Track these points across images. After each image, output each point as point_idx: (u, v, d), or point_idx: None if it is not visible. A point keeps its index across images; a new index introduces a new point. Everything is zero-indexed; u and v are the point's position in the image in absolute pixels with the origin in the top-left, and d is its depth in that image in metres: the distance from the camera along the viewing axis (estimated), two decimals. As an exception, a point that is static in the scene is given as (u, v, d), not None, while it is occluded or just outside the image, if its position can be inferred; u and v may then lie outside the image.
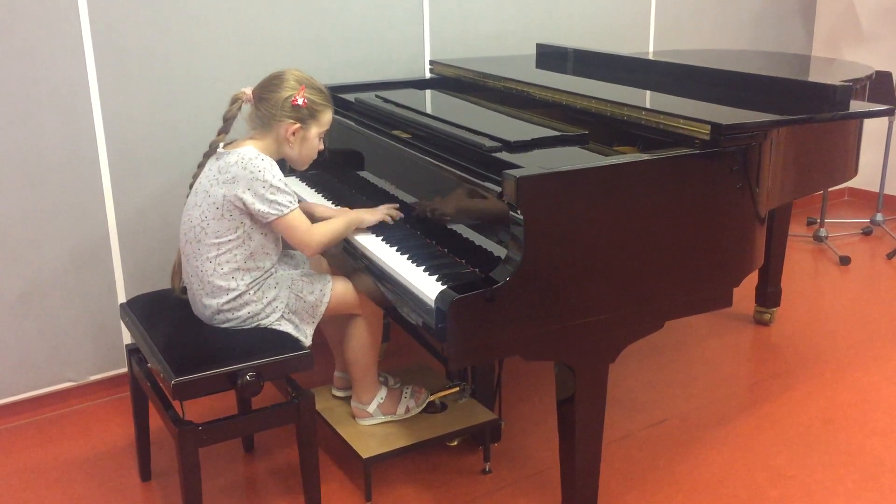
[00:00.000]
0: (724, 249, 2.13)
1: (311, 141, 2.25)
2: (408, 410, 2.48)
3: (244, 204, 2.11)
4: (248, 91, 2.25)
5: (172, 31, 2.84)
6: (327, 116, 2.26)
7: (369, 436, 2.40)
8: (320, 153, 2.31)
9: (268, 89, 2.20)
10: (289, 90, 2.18)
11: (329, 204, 2.64)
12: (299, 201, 2.55)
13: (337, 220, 2.30)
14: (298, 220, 2.17)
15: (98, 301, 2.90)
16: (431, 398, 2.53)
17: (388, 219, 2.36)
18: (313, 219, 2.39)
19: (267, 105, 2.19)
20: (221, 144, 2.21)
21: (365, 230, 2.35)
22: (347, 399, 2.53)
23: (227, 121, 2.26)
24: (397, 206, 2.40)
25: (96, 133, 2.78)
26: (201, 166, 2.26)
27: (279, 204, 2.11)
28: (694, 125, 2.10)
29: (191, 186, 2.27)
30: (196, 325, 2.24)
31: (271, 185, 2.10)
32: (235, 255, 2.17)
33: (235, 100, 2.26)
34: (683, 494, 2.40)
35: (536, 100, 2.70)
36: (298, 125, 2.20)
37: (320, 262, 2.52)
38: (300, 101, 2.17)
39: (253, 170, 2.10)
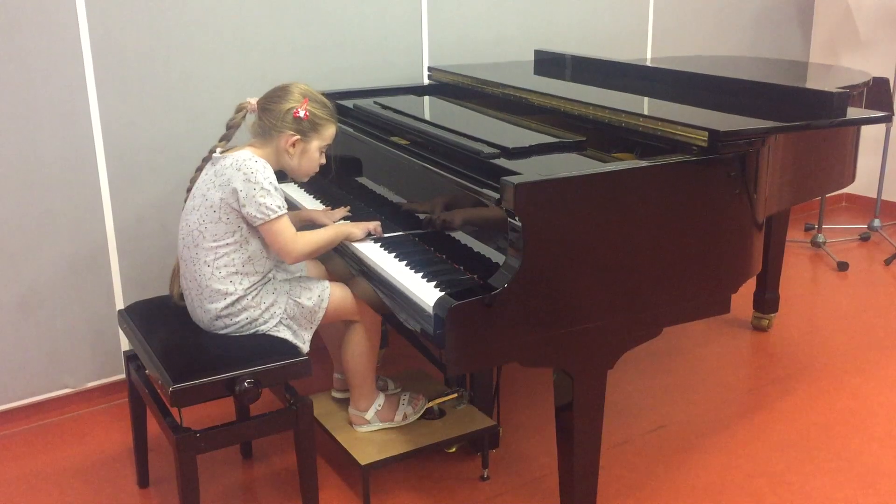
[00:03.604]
0: (721, 255, 2.13)
1: (312, 154, 2.26)
2: (405, 417, 2.48)
3: (238, 204, 2.12)
4: (254, 101, 2.27)
5: (171, 36, 2.85)
6: (330, 131, 2.28)
7: (367, 442, 2.40)
8: (322, 167, 2.32)
9: (272, 100, 2.23)
10: (292, 102, 2.20)
11: (321, 207, 2.65)
12: (299, 209, 2.57)
13: (325, 230, 2.30)
14: (284, 226, 2.16)
15: (96, 307, 2.90)
16: (429, 405, 2.52)
17: (372, 231, 2.34)
18: (313, 226, 2.40)
19: (269, 116, 2.21)
20: (219, 150, 2.22)
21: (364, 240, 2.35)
22: (347, 402, 2.53)
23: (230, 129, 2.27)
24: (378, 223, 2.37)
25: (95, 139, 2.78)
26: (199, 170, 2.27)
27: (267, 208, 2.12)
28: (691, 132, 2.11)
29: (188, 191, 2.28)
30: (194, 331, 2.24)
31: (262, 188, 2.11)
32: (233, 258, 2.17)
33: (240, 109, 2.28)
34: (682, 500, 2.40)
35: (534, 106, 2.70)
36: (298, 137, 2.21)
37: (318, 268, 2.52)
38: (301, 114, 2.20)
39: (246, 171, 2.11)
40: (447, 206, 2.22)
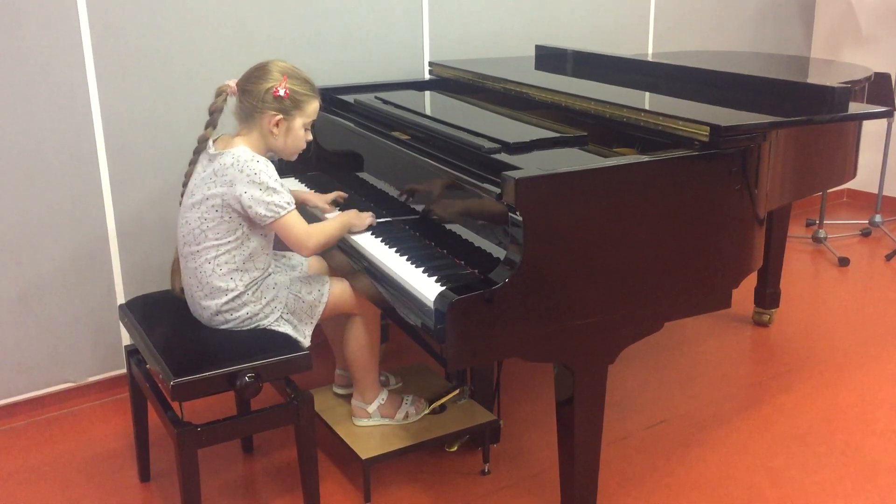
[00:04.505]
0: (723, 251, 2.13)
1: (297, 132, 2.23)
2: (407, 416, 2.48)
3: (242, 207, 2.11)
4: (233, 84, 2.24)
5: (172, 32, 2.84)
6: (312, 107, 2.25)
7: (368, 436, 2.40)
8: (308, 144, 2.30)
9: (250, 81, 2.20)
10: (271, 81, 2.17)
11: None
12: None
13: (331, 222, 2.31)
14: (295, 220, 2.16)
15: (97, 302, 2.90)
16: (431, 408, 2.51)
17: (373, 223, 2.37)
18: (306, 208, 2.41)
19: (249, 97, 2.18)
20: (212, 142, 2.21)
21: (364, 231, 2.35)
22: (348, 397, 2.53)
23: (213, 114, 2.24)
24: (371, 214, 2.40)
25: (95, 134, 2.78)
26: (193, 164, 2.26)
27: (276, 205, 2.11)
28: (693, 127, 2.10)
29: (184, 185, 2.27)
30: (195, 326, 2.24)
31: (268, 187, 2.10)
32: (234, 255, 2.17)
33: (220, 92, 2.25)
34: (682, 495, 2.40)
35: (535, 101, 2.70)
36: (281, 116, 2.18)
37: (319, 263, 2.52)
38: (282, 92, 2.16)
39: (249, 172, 2.10)
40: (448, 201, 2.22)
